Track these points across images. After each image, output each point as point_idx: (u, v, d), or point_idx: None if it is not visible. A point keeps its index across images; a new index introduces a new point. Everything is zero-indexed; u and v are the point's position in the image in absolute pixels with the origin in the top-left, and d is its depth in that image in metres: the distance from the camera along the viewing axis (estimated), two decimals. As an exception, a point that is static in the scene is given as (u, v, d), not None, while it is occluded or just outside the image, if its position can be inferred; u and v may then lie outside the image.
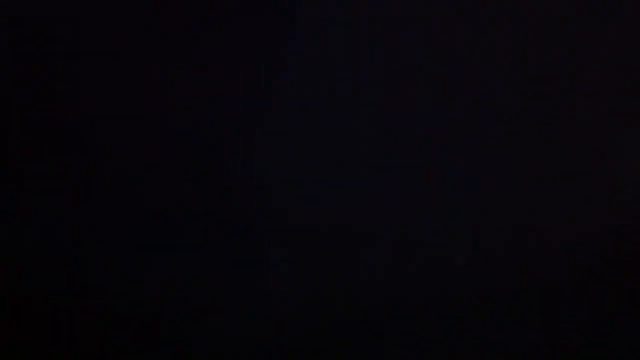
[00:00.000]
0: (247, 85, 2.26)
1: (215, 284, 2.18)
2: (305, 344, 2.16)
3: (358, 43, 2.30)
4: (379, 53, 2.30)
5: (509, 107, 2.31)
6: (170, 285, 2.18)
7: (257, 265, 2.20)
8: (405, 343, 2.18)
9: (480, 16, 2.32)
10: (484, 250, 2.24)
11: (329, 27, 2.29)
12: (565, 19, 2.28)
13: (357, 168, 2.25)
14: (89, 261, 2.18)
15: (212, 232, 2.21)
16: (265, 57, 2.27)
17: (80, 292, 2.17)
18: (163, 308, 2.17)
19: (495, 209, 2.25)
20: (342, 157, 2.26)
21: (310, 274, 2.20)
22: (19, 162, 2.21)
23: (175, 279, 2.18)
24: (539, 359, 2.19)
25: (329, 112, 2.27)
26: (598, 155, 2.27)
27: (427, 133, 2.28)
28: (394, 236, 2.24)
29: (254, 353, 2.15)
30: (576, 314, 2.22)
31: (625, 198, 2.24)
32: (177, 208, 2.21)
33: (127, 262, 2.19)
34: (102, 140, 2.23)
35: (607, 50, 2.28)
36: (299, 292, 2.19)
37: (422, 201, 2.25)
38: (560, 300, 2.23)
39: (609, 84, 2.29)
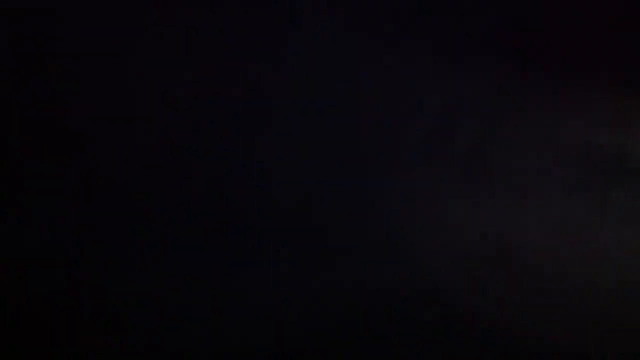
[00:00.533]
0: (247, 85, 2.26)
1: (215, 284, 2.18)
2: (305, 344, 2.16)
3: (358, 43, 2.30)
4: (378, 53, 2.30)
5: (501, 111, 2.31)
6: (170, 285, 2.18)
7: (257, 265, 2.20)
8: (406, 343, 2.18)
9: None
10: (483, 251, 2.24)
11: (329, 28, 2.29)
12: None
13: (357, 168, 2.25)
14: (89, 261, 2.18)
15: (212, 232, 2.21)
16: (265, 57, 2.27)
17: (80, 292, 2.17)
18: (163, 308, 2.17)
19: (494, 211, 2.25)
20: (342, 157, 2.26)
21: (310, 274, 2.20)
22: (19, 162, 2.21)
23: (175, 279, 2.18)
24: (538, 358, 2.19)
25: (329, 112, 2.27)
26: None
27: (429, 134, 2.28)
28: (394, 236, 2.24)
29: (254, 353, 2.15)
30: (570, 312, 2.22)
31: None
32: (177, 208, 2.21)
33: (127, 262, 2.19)
34: (102, 140, 2.23)
35: None
36: (299, 292, 2.19)
37: (422, 201, 2.25)
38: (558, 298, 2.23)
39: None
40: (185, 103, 2.24)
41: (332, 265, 2.21)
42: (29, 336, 2.14)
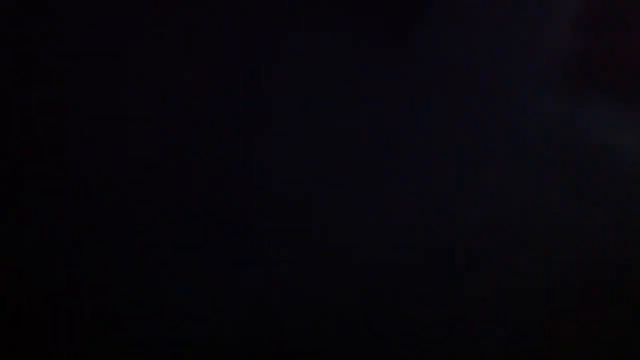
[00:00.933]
0: (247, 85, 2.26)
1: (215, 284, 2.18)
2: (305, 344, 2.17)
3: (358, 43, 2.30)
4: (378, 53, 2.30)
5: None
6: (170, 285, 2.18)
7: (257, 265, 2.20)
8: (406, 343, 2.18)
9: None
10: (481, 249, 2.24)
11: (329, 28, 2.29)
12: None
13: (357, 168, 2.26)
14: (89, 261, 2.18)
15: (212, 232, 2.21)
16: (266, 57, 2.27)
17: (80, 292, 2.17)
18: (163, 308, 2.17)
19: (496, 206, 2.26)
20: (343, 157, 2.26)
21: (310, 274, 2.20)
22: (19, 162, 2.21)
23: (175, 279, 2.18)
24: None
25: (329, 112, 2.27)
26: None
27: (430, 134, 2.28)
28: (395, 236, 2.24)
29: (254, 353, 2.15)
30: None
31: None
32: (177, 208, 2.22)
33: (127, 262, 2.19)
34: (101, 140, 2.23)
35: None
36: (299, 292, 2.19)
37: (421, 201, 2.25)
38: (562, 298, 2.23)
39: None
40: (185, 103, 2.24)
41: (332, 265, 2.21)
42: (29, 336, 2.14)
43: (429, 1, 2.33)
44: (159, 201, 2.21)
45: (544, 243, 2.24)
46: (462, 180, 2.27)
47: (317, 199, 2.24)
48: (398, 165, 2.27)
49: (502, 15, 2.33)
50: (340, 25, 2.29)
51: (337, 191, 2.24)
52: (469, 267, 2.22)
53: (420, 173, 2.26)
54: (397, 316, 2.19)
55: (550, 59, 2.30)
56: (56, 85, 2.23)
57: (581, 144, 2.29)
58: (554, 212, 2.26)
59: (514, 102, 2.31)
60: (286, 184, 2.23)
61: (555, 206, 2.27)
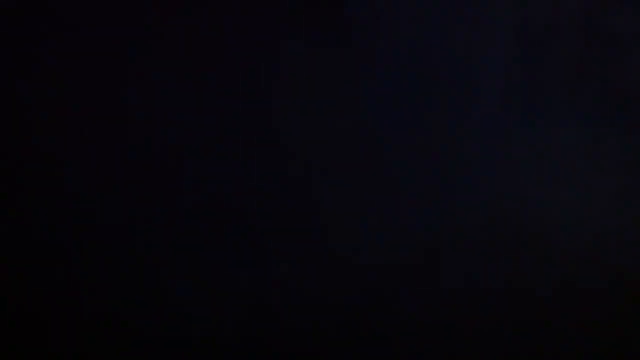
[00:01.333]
0: (247, 85, 2.26)
1: (215, 284, 2.18)
2: (305, 344, 2.16)
3: (358, 43, 2.30)
4: (379, 52, 2.30)
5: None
6: (170, 285, 2.18)
7: (257, 265, 2.20)
8: (406, 343, 2.18)
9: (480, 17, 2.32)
10: (481, 249, 2.24)
11: (329, 28, 2.29)
12: None
13: (357, 168, 2.26)
14: (89, 261, 2.18)
15: (212, 232, 2.21)
16: (266, 57, 2.27)
17: (80, 292, 2.17)
18: (163, 307, 2.17)
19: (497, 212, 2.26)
20: (342, 157, 2.26)
21: (310, 274, 2.20)
22: (19, 162, 2.21)
23: (175, 278, 2.18)
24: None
25: (329, 112, 2.27)
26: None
27: (430, 134, 2.28)
28: (395, 236, 2.24)
29: (254, 353, 2.15)
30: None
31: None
32: (177, 208, 2.22)
33: (127, 262, 2.19)
34: (102, 140, 2.23)
35: None
36: (299, 292, 2.19)
37: (420, 201, 2.25)
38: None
39: None
40: (185, 103, 2.24)
41: (332, 265, 2.21)
42: (29, 336, 2.14)
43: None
44: (159, 201, 2.21)
45: (544, 243, 2.24)
46: (462, 180, 2.27)
47: (317, 199, 2.24)
48: (398, 165, 2.27)
49: (497, 15, 2.34)
50: (339, 25, 2.29)
51: (337, 191, 2.24)
52: (469, 267, 2.22)
53: (420, 173, 2.26)
54: (397, 316, 2.19)
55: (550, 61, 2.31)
56: (56, 85, 2.23)
57: (581, 144, 2.29)
58: (554, 212, 2.26)
59: (514, 102, 2.31)
60: (286, 184, 2.23)
61: (556, 206, 2.27)
